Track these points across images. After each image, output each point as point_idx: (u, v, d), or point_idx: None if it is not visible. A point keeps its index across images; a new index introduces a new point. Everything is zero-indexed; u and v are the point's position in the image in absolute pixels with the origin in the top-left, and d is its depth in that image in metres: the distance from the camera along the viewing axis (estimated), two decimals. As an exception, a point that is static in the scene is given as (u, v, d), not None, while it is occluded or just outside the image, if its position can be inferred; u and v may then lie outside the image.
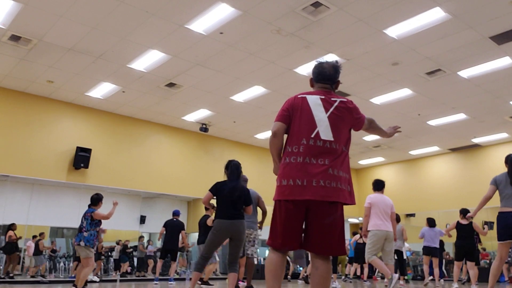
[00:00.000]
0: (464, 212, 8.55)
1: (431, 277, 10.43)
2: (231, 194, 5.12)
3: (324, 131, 2.63)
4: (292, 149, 2.62)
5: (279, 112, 2.76)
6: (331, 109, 2.69)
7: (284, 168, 2.61)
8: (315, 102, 2.71)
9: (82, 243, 6.40)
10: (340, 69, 2.89)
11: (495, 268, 5.12)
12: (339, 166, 2.59)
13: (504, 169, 5.26)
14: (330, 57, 8.89)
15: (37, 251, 11.42)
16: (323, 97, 2.73)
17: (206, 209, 8.44)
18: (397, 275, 6.35)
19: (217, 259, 9.66)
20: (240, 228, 5.11)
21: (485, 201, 5.25)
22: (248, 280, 6.57)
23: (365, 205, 6.70)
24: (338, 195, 2.52)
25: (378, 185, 6.97)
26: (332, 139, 2.62)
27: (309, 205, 2.51)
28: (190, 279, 5.29)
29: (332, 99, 2.74)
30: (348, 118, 2.73)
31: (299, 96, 2.78)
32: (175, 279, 10.29)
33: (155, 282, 9.23)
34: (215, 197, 5.24)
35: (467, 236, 8.41)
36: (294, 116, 2.70)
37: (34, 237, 11.68)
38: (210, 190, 5.21)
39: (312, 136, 2.61)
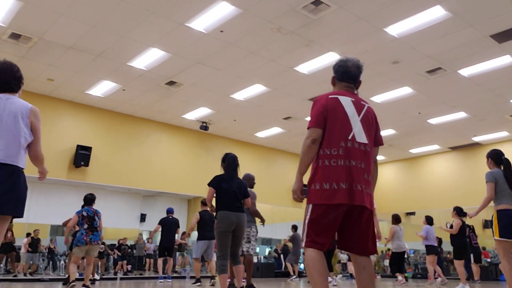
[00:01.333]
0: (458, 209, 8.57)
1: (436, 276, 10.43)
2: (232, 187, 5.16)
3: (359, 133, 2.62)
4: (331, 152, 2.56)
5: (313, 117, 2.63)
6: (363, 112, 2.69)
7: (324, 171, 2.54)
8: (348, 103, 2.67)
9: (98, 242, 6.60)
10: (363, 69, 2.86)
11: (510, 269, 4.80)
12: (370, 170, 2.64)
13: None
14: (331, 56, 8.89)
15: (32, 249, 11.38)
16: (353, 99, 2.71)
17: (204, 204, 8.45)
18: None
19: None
20: (243, 221, 5.16)
21: (488, 202, 5.03)
22: (248, 278, 6.56)
23: None
24: (369, 201, 2.59)
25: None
26: (366, 141, 2.63)
27: (349, 208, 2.53)
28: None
29: (362, 102, 2.74)
30: (373, 126, 2.76)
31: (330, 96, 2.68)
32: (173, 277, 10.30)
33: (160, 280, 9.27)
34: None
35: (462, 234, 8.43)
36: (329, 117, 2.61)
37: (28, 234, 11.65)
38: (211, 185, 5.21)
39: (350, 138, 2.58)
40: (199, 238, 8.26)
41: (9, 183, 2.66)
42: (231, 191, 5.13)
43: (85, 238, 6.54)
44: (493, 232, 4.96)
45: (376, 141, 2.77)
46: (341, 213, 2.52)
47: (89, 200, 6.93)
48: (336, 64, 2.85)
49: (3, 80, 2.95)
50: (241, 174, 6.90)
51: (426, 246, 9.43)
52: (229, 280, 6.71)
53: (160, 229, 9.47)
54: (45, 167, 3.02)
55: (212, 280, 8.31)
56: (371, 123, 2.72)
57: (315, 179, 2.57)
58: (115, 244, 13.85)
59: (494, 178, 4.94)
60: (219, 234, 5.03)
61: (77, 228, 7.11)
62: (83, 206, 6.98)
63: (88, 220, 6.67)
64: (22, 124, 2.79)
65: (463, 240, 8.46)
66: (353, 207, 2.52)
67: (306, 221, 2.56)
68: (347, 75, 2.80)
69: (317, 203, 2.53)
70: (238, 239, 5.19)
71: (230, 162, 5.39)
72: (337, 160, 2.54)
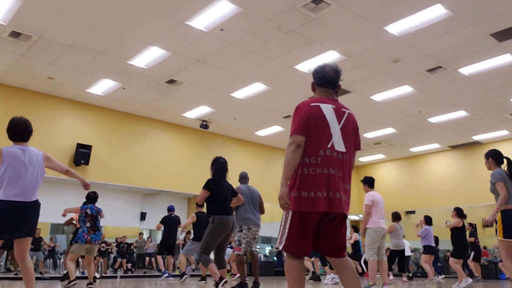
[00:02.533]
0: (458, 210, 8.60)
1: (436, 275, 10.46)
2: (224, 191, 5.25)
3: (338, 142, 2.64)
4: (310, 160, 2.58)
5: (296, 124, 2.65)
6: (343, 120, 2.72)
7: (302, 179, 2.57)
8: (329, 111, 2.68)
9: (98, 242, 6.66)
10: (341, 73, 2.88)
11: None
12: (348, 179, 2.68)
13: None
14: (331, 54, 8.89)
15: (34, 247, 11.37)
16: (334, 106, 2.72)
17: (199, 206, 8.50)
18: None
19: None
20: (233, 224, 5.35)
21: (504, 201, 4.80)
22: (256, 276, 6.61)
23: (367, 203, 6.62)
24: (346, 208, 2.66)
25: (370, 182, 6.93)
26: (344, 150, 2.66)
27: (325, 215, 2.59)
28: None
29: (342, 109, 2.75)
30: (353, 133, 2.78)
31: (312, 104, 2.70)
32: (174, 276, 10.33)
33: (165, 274, 9.31)
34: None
35: (463, 234, 8.46)
36: (311, 126, 2.63)
37: None
38: (207, 188, 5.26)
39: (329, 147, 2.61)
40: (194, 239, 8.32)
41: (37, 215, 3.88)
42: (224, 195, 5.25)
43: (86, 236, 6.52)
44: (496, 232, 4.89)
45: (354, 147, 2.80)
46: (316, 220, 2.58)
47: (92, 198, 6.90)
48: (315, 70, 2.88)
49: (19, 133, 3.92)
50: (236, 175, 6.96)
51: (424, 246, 9.46)
52: (238, 275, 6.76)
53: (162, 227, 9.51)
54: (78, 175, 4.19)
55: (203, 281, 8.37)
56: (351, 130, 2.74)
57: (294, 187, 2.60)
58: (114, 242, 13.90)
59: (501, 177, 4.89)
60: (213, 234, 5.13)
61: (78, 225, 7.11)
62: (84, 204, 6.95)
63: (91, 218, 6.65)
64: (40, 166, 3.86)
65: (464, 239, 8.48)
66: (330, 213, 2.58)
67: (287, 226, 2.59)
68: (326, 80, 2.82)
69: (295, 210, 2.57)
70: (226, 243, 5.42)
71: (219, 167, 5.46)
72: (315, 169, 2.57)
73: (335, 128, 2.65)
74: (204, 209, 8.12)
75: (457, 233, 8.51)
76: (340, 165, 2.62)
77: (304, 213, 2.55)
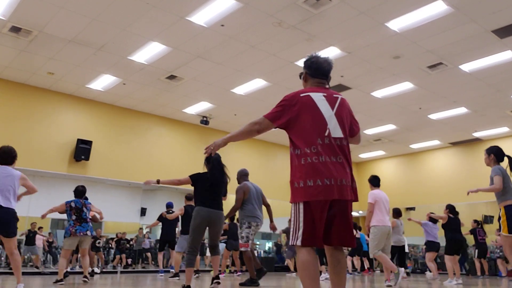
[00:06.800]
0: (450, 207, 8.65)
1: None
2: (211, 183, 5.43)
3: (334, 129, 2.63)
4: (310, 150, 2.56)
5: (273, 110, 2.71)
6: (336, 106, 2.70)
7: (307, 169, 2.54)
8: (320, 99, 2.67)
9: (89, 233, 6.59)
10: (333, 65, 2.89)
11: None
12: (349, 163, 2.66)
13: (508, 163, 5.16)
14: (332, 50, 8.87)
15: (28, 242, 11.38)
16: (325, 94, 2.71)
17: (189, 199, 8.52)
18: (402, 269, 6.39)
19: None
20: (216, 218, 5.42)
21: (493, 190, 4.92)
22: (258, 265, 6.65)
23: (370, 201, 6.66)
24: (351, 193, 2.61)
25: (377, 181, 7.00)
26: (342, 135, 2.65)
27: (333, 203, 2.55)
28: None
29: (334, 95, 2.74)
30: (350, 116, 2.79)
31: (302, 94, 2.69)
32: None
33: (161, 274, 9.32)
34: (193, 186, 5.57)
35: (455, 230, 8.49)
36: (301, 115, 2.63)
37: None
38: (191, 177, 5.50)
39: (326, 134, 2.60)
40: (183, 233, 8.33)
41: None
42: (210, 189, 5.31)
43: (71, 229, 6.54)
44: (500, 227, 4.89)
45: (351, 131, 2.80)
46: (325, 209, 2.53)
47: (80, 192, 6.90)
48: (308, 61, 2.86)
49: (4, 159, 5.02)
50: (236, 171, 6.97)
51: (427, 242, 9.47)
52: (239, 273, 6.79)
53: (160, 224, 9.56)
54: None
55: (197, 275, 8.40)
56: (347, 114, 2.74)
57: (297, 177, 2.57)
58: (114, 238, 13.95)
59: (502, 172, 4.91)
60: (192, 228, 5.26)
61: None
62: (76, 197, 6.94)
63: (76, 211, 6.65)
64: (16, 183, 4.96)
65: (455, 236, 8.51)
66: (336, 201, 2.54)
67: (301, 220, 2.53)
68: (320, 71, 2.81)
69: (303, 200, 2.53)
70: (214, 234, 5.48)
71: (215, 164, 5.50)
72: (318, 157, 2.54)
73: (330, 115, 2.64)
74: (192, 203, 8.17)
75: (448, 229, 8.57)
76: (340, 151, 2.61)
77: (313, 202, 2.51)
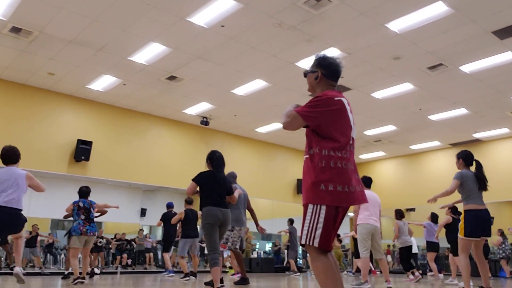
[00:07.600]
0: (452, 208, 8.69)
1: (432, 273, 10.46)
2: (217, 184, 5.28)
3: (353, 135, 2.71)
4: (342, 154, 2.58)
5: (311, 111, 2.61)
6: (350, 110, 2.77)
7: (337, 173, 2.53)
8: (347, 105, 2.73)
9: (94, 234, 6.70)
10: None
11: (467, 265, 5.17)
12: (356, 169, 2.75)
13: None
14: (332, 51, 8.86)
15: (29, 243, 11.37)
16: (347, 100, 2.77)
17: (189, 203, 8.52)
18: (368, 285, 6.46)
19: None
20: (226, 216, 5.30)
21: (446, 194, 5.33)
22: (243, 272, 6.67)
23: None
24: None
25: (369, 182, 7.10)
26: (355, 138, 2.75)
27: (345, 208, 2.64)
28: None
29: (347, 99, 2.80)
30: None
31: (336, 98, 2.67)
32: (176, 272, 10.37)
33: (171, 273, 9.35)
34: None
35: (458, 231, 8.48)
36: (338, 120, 2.64)
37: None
38: (195, 180, 5.41)
39: (351, 142, 2.68)
40: (183, 236, 8.36)
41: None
42: (216, 189, 5.26)
43: (81, 228, 6.58)
44: (458, 229, 5.29)
45: None
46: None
47: (84, 193, 6.96)
48: (327, 61, 2.81)
49: (9, 158, 5.15)
50: (236, 172, 6.98)
51: (427, 242, 9.46)
52: (239, 275, 6.80)
53: (162, 224, 9.57)
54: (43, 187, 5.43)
55: (192, 277, 8.39)
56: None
57: (325, 180, 2.52)
58: (113, 239, 13.95)
59: (462, 177, 5.12)
60: (206, 228, 5.11)
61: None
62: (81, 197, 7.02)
63: (85, 211, 6.71)
64: (24, 183, 5.05)
65: (453, 236, 8.51)
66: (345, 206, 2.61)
67: (321, 221, 2.51)
68: (337, 74, 2.83)
69: (329, 204, 2.51)
70: (223, 234, 5.37)
71: (220, 162, 5.48)
72: (346, 164, 2.58)
73: (352, 122, 2.72)
74: (193, 206, 8.17)
75: (450, 230, 8.57)
76: (353, 156, 2.68)
77: (339, 207, 2.55)
